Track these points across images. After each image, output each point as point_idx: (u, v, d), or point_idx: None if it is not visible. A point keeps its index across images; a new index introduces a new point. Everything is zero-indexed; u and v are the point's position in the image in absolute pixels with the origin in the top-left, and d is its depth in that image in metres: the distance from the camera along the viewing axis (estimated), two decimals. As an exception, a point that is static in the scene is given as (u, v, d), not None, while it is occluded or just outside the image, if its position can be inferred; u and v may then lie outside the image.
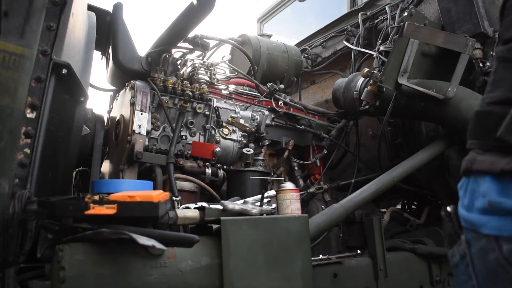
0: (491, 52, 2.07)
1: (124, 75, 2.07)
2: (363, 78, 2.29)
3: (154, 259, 1.11)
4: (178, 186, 1.91)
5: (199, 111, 2.10)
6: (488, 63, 2.05)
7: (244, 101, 2.42)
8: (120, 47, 2.01)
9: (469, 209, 0.72)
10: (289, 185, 1.83)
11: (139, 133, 1.91)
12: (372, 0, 2.88)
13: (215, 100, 2.19)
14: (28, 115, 1.18)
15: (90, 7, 1.99)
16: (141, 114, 1.94)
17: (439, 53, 2.15)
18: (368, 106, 2.19)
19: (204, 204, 1.36)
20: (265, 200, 1.43)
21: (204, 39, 2.14)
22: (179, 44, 2.10)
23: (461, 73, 1.91)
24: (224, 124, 2.20)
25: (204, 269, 1.17)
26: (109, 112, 2.42)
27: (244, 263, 1.22)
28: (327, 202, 2.46)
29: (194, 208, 1.33)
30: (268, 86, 2.42)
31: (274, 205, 1.53)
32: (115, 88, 2.35)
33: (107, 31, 2.14)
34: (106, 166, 2.22)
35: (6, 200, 1.06)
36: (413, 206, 2.82)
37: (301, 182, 2.52)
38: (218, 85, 2.35)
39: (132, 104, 1.93)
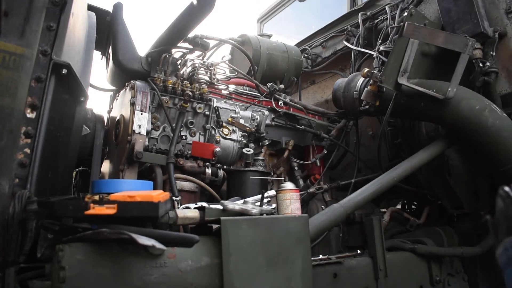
0: (491, 52, 2.07)
1: (124, 75, 2.07)
2: (363, 78, 2.29)
3: (154, 259, 1.11)
4: (178, 186, 1.91)
5: (199, 111, 2.10)
6: (488, 63, 2.05)
7: (244, 101, 2.42)
8: (120, 47, 2.01)
9: None
10: (289, 185, 1.83)
11: (139, 133, 1.91)
12: (372, 0, 2.89)
13: (215, 100, 2.19)
14: (28, 115, 1.18)
15: (90, 7, 1.99)
16: (141, 114, 1.94)
17: (439, 53, 2.15)
18: (368, 106, 2.19)
19: (204, 204, 1.36)
20: (265, 200, 1.43)
21: (204, 39, 2.14)
22: (179, 44, 2.10)
23: (461, 73, 1.91)
24: (224, 124, 2.20)
25: (204, 269, 1.17)
26: (109, 112, 2.42)
27: (244, 263, 1.22)
28: (327, 202, 2.46)
29: (194, 208, 1.33)
30: (268, 86, 2.42)
31: (274, 205, 1.53)
32: (115, 88, 2.35)
33: (107, 31, 2.14)
34: (106, 166, 2.22)
35: (6, 200, 1.06)
36: (413, 206, 2.81)
37: (301, 182, 2.53)
38: (218, 85, 2.35)
39: (132, 104, 1.93)
